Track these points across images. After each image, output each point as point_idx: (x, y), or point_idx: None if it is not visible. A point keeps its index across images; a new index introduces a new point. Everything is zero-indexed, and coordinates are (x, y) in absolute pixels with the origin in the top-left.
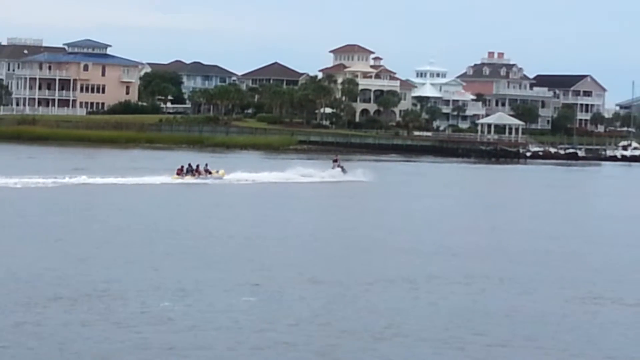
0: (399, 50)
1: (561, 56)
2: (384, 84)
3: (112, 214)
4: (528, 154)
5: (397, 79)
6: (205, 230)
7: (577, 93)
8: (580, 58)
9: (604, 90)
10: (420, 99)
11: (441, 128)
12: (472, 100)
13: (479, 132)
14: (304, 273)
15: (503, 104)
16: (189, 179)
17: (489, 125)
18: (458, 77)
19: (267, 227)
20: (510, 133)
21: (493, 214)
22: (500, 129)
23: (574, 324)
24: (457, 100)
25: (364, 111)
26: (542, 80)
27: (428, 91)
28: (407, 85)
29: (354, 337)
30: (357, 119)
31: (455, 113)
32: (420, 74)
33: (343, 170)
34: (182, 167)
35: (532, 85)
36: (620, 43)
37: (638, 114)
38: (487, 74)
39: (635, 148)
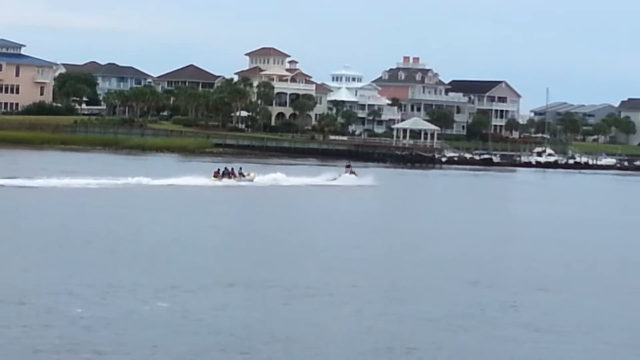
0: (315, 54)
1: (476, 62)
2: (300, 88)
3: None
4: (443, 159)
5: (312, 82)
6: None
7: (492, 99)
8: (495, 64)
9: (519, 96)
10: (336, 103)
11: (357, 132)
12: (388, 105)
13: (395, 137)
14: (225, 277)
15: (418, 109)
16: (226, 182)
17: (405, 130)
18: (374, 81)
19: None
20: (425, 138)
21: (404, 218)
22: (415, 134)
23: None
24: (373, 105)
25: (280, 115)
26: (457, 86)
27: (344, 95)
28: (322, 89)
29: (273, 340)
30: (272, 123)
31: (370, 118)
32: (336, 78)
33: (355, 174)
34: (219, 170)
35: (447, 91)
36: (535, 49)
37: (552, 121)
38: (402, 78)
39: (549, 154)
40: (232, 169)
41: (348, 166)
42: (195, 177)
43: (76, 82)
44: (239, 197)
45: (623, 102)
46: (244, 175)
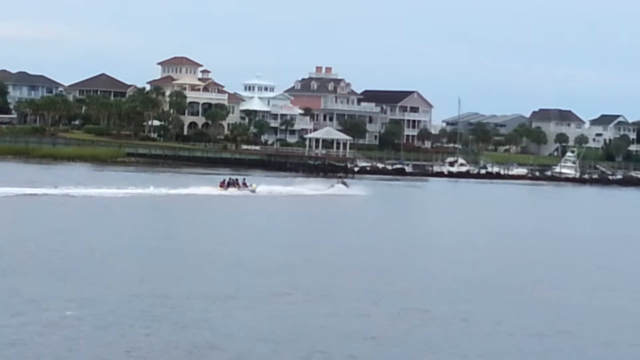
0: (227, 63)
1: (389, 72)
2: (212, 97)
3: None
4: (356, 168)
5: (225, 92)
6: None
7: (404, 109)
8: (407, 74)
9: (431, 106)
10: (249, 113)
11: (269, 142)
12: (300, 114)
13: (307, 147)
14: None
15: (331, 119)
16: (231, 191)
17: (317, 140)
18: (286, 91)
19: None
20: (338, 148)
21: (316, 229)
22: (328, 143)
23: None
24: (285, 115)
25: (192, 124)
26: (369, 96)
27: (256, 105)
28: (235, 98)
29: (178, 348)
30: (185, 132)
31: (283, 127)
32: (249, 88)
33: (346, 185)
34: (224, 180)
35: (359, 101)
36: (447, 60)
37: (464, 131)
38: (315, 88)
39: (461, 164)
40: (237, 179)
41: (340, 177)
42: (204, 187)
43: None
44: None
45: (534, 112)
46: (247, 186)
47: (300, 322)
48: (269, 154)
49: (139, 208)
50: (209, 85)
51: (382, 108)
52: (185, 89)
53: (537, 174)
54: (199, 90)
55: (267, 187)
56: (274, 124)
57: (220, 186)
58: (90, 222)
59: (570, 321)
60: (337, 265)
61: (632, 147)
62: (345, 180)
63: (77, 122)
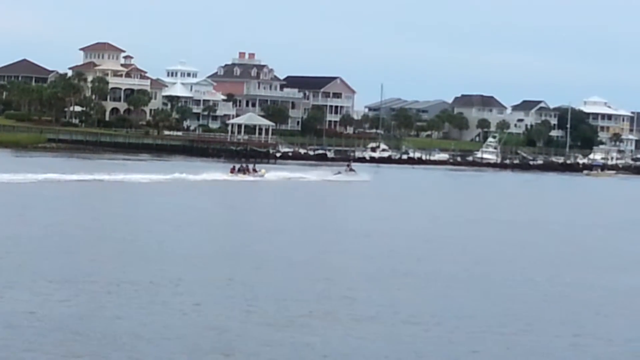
0: (150, 49)
1: (311, 58)
2: (135, 83)
3: None
4: (278, 154)
5: (147, 78)
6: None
7: (326, 95)
8: (330, 60)
9: (353, 92)
10: (171, 99)
11: (192, 128)
12: (223, 100)
13: (230, 133)
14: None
15: (254, 105)
16: (241, 177)
17: (240, 126)
18: (209, 77)
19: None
20: (260, 134)
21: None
22: (250, 129)
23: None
24: (208, 100)
25: (114, 110)
26: (292, 82)
27: (179, 91)
28: (157, 84)
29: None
30: (107, 118)
31: (206, 113)
32: (171, 74)
33: (354, 172)
34: (234, 166)
35: (282, 87)
36: (369, 46)
37: (387, 116)
38: (237, 74)
39: (383, 150)
40: (247, 165)
41: (348, 165)
42: (216, 173)
43: None
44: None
45: (456, 98)
46: (256, 171)
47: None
48: (191, 140)
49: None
50: (132, 71)
51: (304, 94)
52: (107, 74)
53: (459, 159)
54: (121, 76)
55: (275, 173)
56: (196, 109)
57: (231, 172)
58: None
59: (472, 302)
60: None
61: (553, 133)
62: (353, 167)
63: None
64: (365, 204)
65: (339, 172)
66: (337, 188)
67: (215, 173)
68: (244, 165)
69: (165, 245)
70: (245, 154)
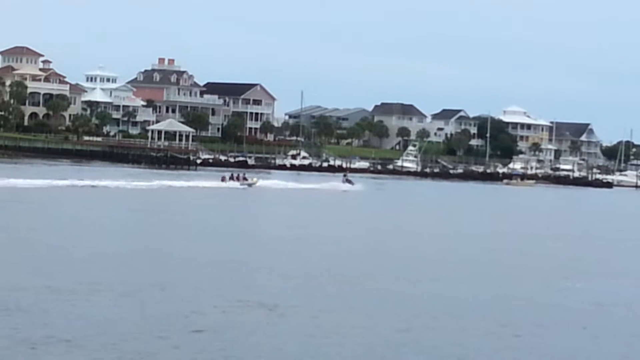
0: (69, 53)
1: (232, 64)
2: (54, 88)
3: None
4: (198, 161)
5: (67, 82)
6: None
7: (247, 101)
8: (250, 67)
9: (274, 99)
10: (90, 104)
11: (111, 133)
12: (143, 106)
13: (150, 139)
14: None
15: (174, 111)
16: (232, 184)
17: (160, 132)
18: (129, 82)
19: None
20: (180, 140)
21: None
22: (170, 135)
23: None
24: (128, 106)
25: (33, 114)
26: (212, 88)
27: (98, 96)
28: (77, 89)
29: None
30: (25, 123)
31: (125, 119)
32: (91, 79)
33: (351, 182)
34: (225, 176)
35: (202, 93)
36: (290, 53)
37: (307, 124)
38: (157, 80)
39: (304, 157)
40: (239, 174)
41: (345, 175)
42: (208, 180)
43: None
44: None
45: (376, 106)
46: (246, 179)
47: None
48: (111, 146)
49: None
50: (51, 76)
51: (225, 100)
52: (26, 79)
53: (379, 167)
54: (40, 80)
55: (267, 182)
56: (116, 115)
57: (222, 180)
58: None
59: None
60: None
61: (473, 142)
62: (348, 177)
63: None
64: (305, 210)
65: (336, 182)
66: (322, 197)
67: (206, 181)
68: (236, 174)
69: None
70: (166, 160)
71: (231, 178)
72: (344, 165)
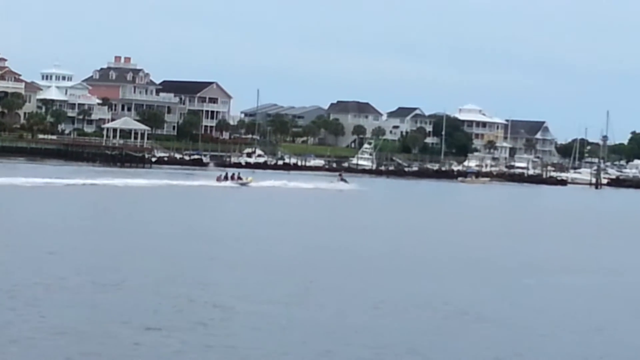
0: (24, 51)
1: (188, 63)
2: (9, 86)
3: None
4: (154, 159)
5: (22, 81)
6: None
7: (203, 100)
8: (206, 65)
9: (230, 97)
10: (46, 102)
11: (66, 132)
12: (98, 104)
13: (105, 137)
14: None
15: (129, 109)
16: (227, 184)
17: (115, 130)
18: (84, 80)
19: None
20: (136, 138)
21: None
22: (126, 133)
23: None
24: (83, 104)
25: None
26: (168, 86)
27: (53, 94)
28: (32, 87)
29: None
30: None
31: (81, 117)
32: (46, 77)
33: (346, 182)
34: (221, 175)
35: (158, 91)
36: (245, 51)
37: (263, 122)
38: (113, 78)
39: (259, 155)
40: (234, 174)
41: (340, 175)
42: (206, 181)
43: None
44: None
45: (332, 104)
46: (241, 179)
47: None
48: (66, 144)
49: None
50: (5, 74)
51: (180, 99)
52: None
53: (335, 165)
54: None
55: (262, 182)
56: (71, 113)
57: (217, 180)
58: None
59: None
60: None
61: (428, 140)
62: (344, 177)
63: None
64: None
65: (331, 182)
66: (317, 196)
67: (202, 180)
68: (231, 173)
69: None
70: (121, 158)
71: (226, 178)
72: (299, 163)
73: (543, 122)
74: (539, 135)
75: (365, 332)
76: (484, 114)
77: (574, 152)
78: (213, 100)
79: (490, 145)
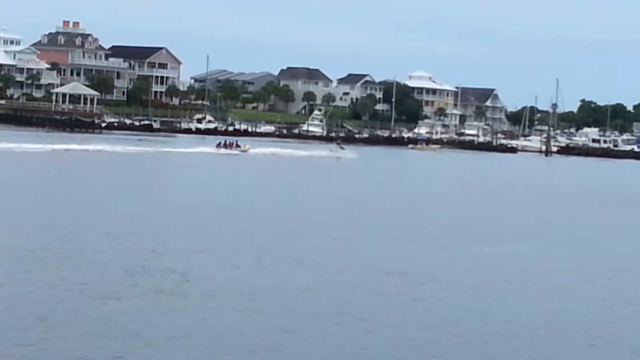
0: None
1: (137, 27)
2: None
3: None
4: (103, 124)
5: None
6: None
7: (152, 65)
8: (156, 30)
9: (180, 63)
10: None
11: (15, 96)
12: (47, 69)
13: (54, 102)
14: None
15: (78, 74)
16: (224, 151)
17: (64, 95)
18: (33, 45)
19: None
20: (85, 103)
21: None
22: (75, 99)
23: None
24: (32, 69)
25: None
26: (117, 51)
27: (1, 59)
28: None
29: None
30: None
31: (29, 82)
32: None
33: (343, 149)
34: (220, 142)
35: (107, 56)
36: (195, 16)
37: (213, 88)
38: (62, 43)
39: (209, 121)
40: (232, 142)
41: (338, 143)
42: (204, 147)
43: None
44: None
45: (282, 70)
46: (239, 146)
47: None
48: (15, 109)
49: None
50: None
51: (130, 64)
52: None
53: (285, 131)
54: None
55: (260, 149)
56: (19, 78)
57: (217, 146)
58: None
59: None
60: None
61: (378, 107)
62: (341, 144)
63: None
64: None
65: (330, 150)
66: (314, 164)
67: (204, 147)
68: (230, 140)
69: None
70: (70, 123)
71: (224, 145)
72: (250, 130)
73: (493, 90)
74: (489, 103)
75: (313, 295)
76: (434, 81)
77: (524, 119)
78: (163, 66)
79: (441, 112)
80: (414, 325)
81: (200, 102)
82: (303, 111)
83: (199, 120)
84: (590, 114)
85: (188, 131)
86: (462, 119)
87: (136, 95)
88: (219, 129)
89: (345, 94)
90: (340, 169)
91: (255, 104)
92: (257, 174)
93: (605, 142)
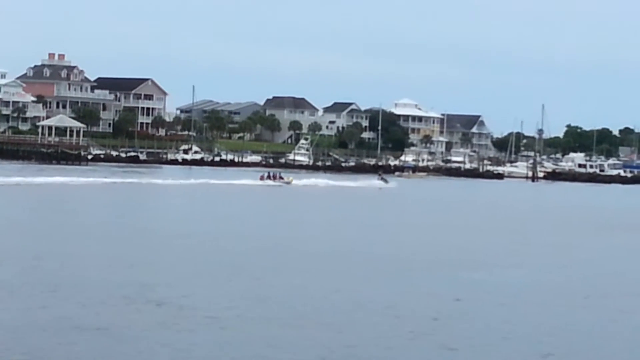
0: None
1: (123, 59)
2: None
3: None
4: (90, 156)
5: None
6: None
7: (138, 96)
8: (141, 62)
9: (165, 94)
10: None
11: (1, 130)
12: (33, 102)
13: (40, 135)
14: None
15: (64, 106)
16: (269, 183)
17: (50, 128)
18: (18, 78)
19: None
20: (71, 135)
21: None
22: (61, 131)
23: None
24: (17, 102)
25: None
26: (103, 83)
27: None
28: None
29: None
30: None
31: (15, 115)
32: None
33: (385, 181)
34: (264, 174)
35: (93, 88)
36: (180, 47)
37: (199, 118)
38: (47, 75)
39: (196, 152)
40: (275, 173)
41: (380, 174)
42: (246, 180)
43: None
44: None
45: (268, 100)
46: (282, 179)
47: None
48: (1, 142)
49: None
50: None
51: (116, 95)
52: None
53: (271, 161)
54: None
55: (304, 180)
56: (5, 111)
57: (260, 179)
58: None
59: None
60: None
61: (365, 135)
62: (383, 176)
63: None
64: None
65: (375, 180)
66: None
67: (247, 180)
68: (273, 173)
69: None
70: (57, 156)
71: (268, 177)
72: (236, 160)
73: (479, 116)
74: (475, 129)
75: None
76: (419, 109)
77: (510, 145)
78: (148, 97)
79: (427, 139)
80: None
81: (186, 132)
82: (289, 140)
83: (186, 151)
84: (576, 139)
85: (174, 162)
86: (449, 145)
87: (122, 126)
88: (205, 159)
89: (332, 122)
90: (384, 198)
91: (241, 134)
92: (307, 206)
93: (591, 167)
